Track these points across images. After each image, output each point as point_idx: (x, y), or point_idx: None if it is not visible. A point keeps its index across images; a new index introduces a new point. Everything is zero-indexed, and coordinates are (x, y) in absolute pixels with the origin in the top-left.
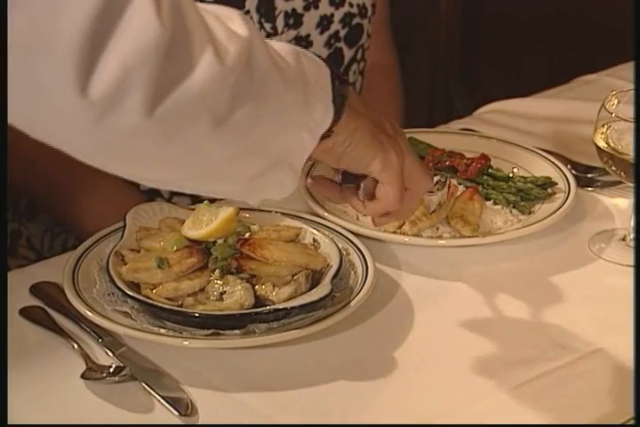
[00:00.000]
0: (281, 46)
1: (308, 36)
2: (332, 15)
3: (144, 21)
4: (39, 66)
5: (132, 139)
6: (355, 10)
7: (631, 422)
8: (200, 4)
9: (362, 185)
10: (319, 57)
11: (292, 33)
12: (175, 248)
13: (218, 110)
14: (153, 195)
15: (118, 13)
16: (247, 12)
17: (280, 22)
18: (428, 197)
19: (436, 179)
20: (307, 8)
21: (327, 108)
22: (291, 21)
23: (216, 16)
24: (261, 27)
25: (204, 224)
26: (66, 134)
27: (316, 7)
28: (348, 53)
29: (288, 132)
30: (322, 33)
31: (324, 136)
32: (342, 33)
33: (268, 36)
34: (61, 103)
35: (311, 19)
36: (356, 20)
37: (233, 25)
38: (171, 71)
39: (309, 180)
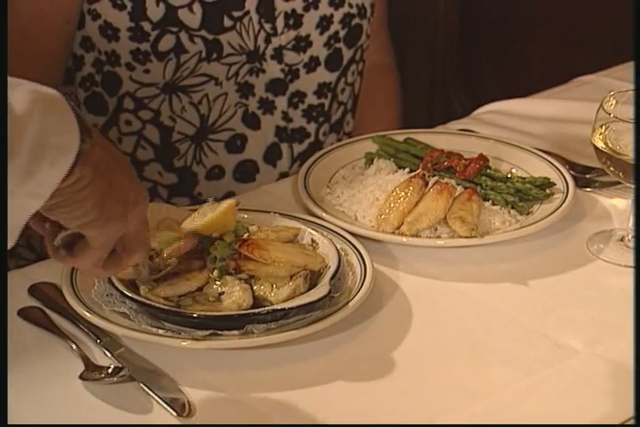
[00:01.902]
0: (20, 101)
1: (308, 36)
2: (332, 16)
3: None
4: None
5: None
6: (354, 10)
7: (630, 423)
8: None
9: (61, 233)
10: (75, 106)
11: (292, 33)
12: (168, 243)
13: None
14: (151, 196)
15: None
16: (247, 13)
17: (280, 23)
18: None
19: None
20: (306, 8)
21: (59, 169)
22: (290, 22)
23: None
24: (261, 27)
25: (205, 217)
26: None
27: (316, 8)
28: (347, 54)
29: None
30: (321, 33)
31: None
32: (342, 33)
33: (268, 36)
34: None
35: (311, 19)
36: (356, 21)
37: None
38: None
39: None
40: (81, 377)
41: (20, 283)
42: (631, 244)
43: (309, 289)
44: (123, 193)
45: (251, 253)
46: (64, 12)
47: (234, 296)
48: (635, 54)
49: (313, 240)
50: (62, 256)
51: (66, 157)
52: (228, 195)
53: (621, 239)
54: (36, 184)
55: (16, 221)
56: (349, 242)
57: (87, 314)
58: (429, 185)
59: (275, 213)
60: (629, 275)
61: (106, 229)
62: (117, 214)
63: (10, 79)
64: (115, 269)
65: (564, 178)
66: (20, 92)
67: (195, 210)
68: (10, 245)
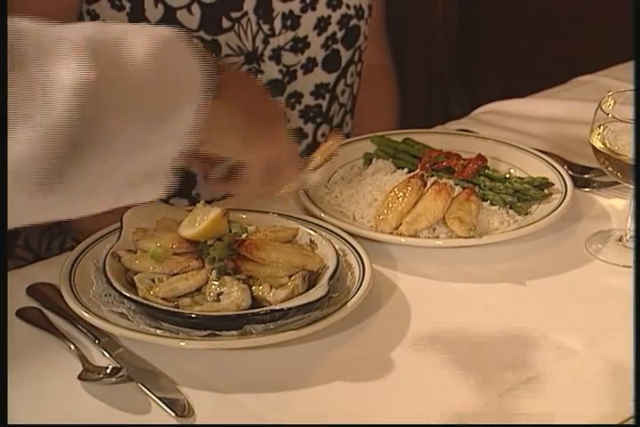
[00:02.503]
0: (145, 44)
1: (306, 37)
2: (330, 17)
3: None
4: None
5: None
6: (352, 11)
7: (629, 423)
8: (33, 38)
9: (221, 164)
10: (199, 44)
11: (290, 34)
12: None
13: (44, 176)
14: None
15: None
16: (245, 14)
17: (278, 24)
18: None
19: None
20: (304, 10)
21: (192, 108)
22: (288, 23)
23: (42, 61)
24: (259, 28)
25: (196, 224)
26: None
27: (314, 9)
28: (345, 55)
29: (144, 154)
30: (319, 35)
31: None
32: (339, 35)
33: (266, 37)
34: None
35: (308, 20)
36: (353, 22)
37: (63, 67)
38: None
39: None
40: (79, 378)
41: (18, 283)
42: (629, 244)
43: (308, 289)
44: (264, 114)
45: (249, 254)
46: (64, 12)
47: (232, 296)
48: (635, 54)
49: (311, 240)
50: (225, 186)
51: (197, 94)
52: (227, 196)
53: (620, 239)
54: (172, 127)
55: (163, 165)
56: (348, 242)
57: (85, 314)
58: (428, 185)
59: (273, 213)
60: (628, 275)
61: (260, 150)
62: (266, 134)
63: (127, 26)
64: (275, 187)
65: (563, 178)
66: (142, 37)
67: (190, 210)
68: (165, 191)
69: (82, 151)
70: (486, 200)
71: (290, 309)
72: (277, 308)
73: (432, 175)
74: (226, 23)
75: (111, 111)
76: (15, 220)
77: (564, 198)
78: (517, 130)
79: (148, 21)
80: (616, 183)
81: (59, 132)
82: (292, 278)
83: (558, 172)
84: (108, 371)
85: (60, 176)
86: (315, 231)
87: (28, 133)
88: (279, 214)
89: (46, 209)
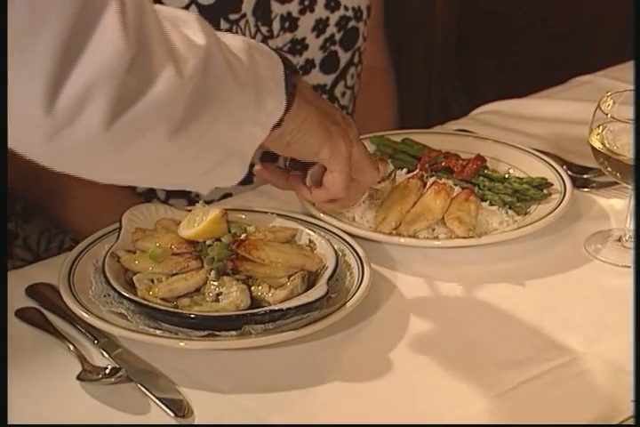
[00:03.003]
0: (235, 42)
1: (304, 39)
2: (328, 18)
3: (111, 40)
4: (10, 80)
5: (87, 150)
6: (350, 13)
7: (629, 423)
8: (159, 9)
9: (309, 172)
10: (273, 49)
11: (288, 36)
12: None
13: (174, 119)
14: (149, 196)
15: (88, 33)
16: (243, 16)
17: (276, 25)
18: (375, 187)
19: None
20: (302, 11)
21: (279, 100)
22: (286, 25)
23: (175, 24)
24: (258, 30)
25: (195, 224)
26: (24, 144)
27: (312, 11)
28: (344, 57)
29: (240, 129)
30: (317, 36)
31: (274, 126)
32: (338, 36)
33: (265, 38)
34: (24, 116)
35: (307, 22)
36: (352, 24)
37: (191, 32)
38: (132, 87)
39: (258, 166)
40: (78, 378)
41: (17, 284)
42: (628, 244)
43: (307, 290)
44: (333, 116)
45: (248, 254)
46: None
47: (231, 297)
48: (635, 54)
49: (310, 241)
50: (315, 193)
51: (282, 89)
52: (226, 196)
53: (619, 239)
54: (263, 114)
55: (245, 150)
56: (347, 242)
57: (84, 315)
58: (427, 185)
59: (272, 213)
60: (627, 275)
61: (338, 148)
62: (340, 134)
63: (218, 32)
64: (360, 193)
65: (562, 178)
66: (231, 37)
67: (189, 210)
68: (240, 177)
69: (202, 107)
70: (485, 200)
71: (289, 309)
72: (276, 308)
73: (431, 175)
74: (224, 25)
75: (221, 78)
76: (143, 162)
77: (564, 198)
78: (516, 130)
79: None
80: (615, 183)
81: (190, 82)
82: (291, 279)
83: (557, 172)
84: (107, 371)
85: (186, 122)
86: (314, 231)
87: (168, 77)
88: (278, 214)
89: (169, 156)
